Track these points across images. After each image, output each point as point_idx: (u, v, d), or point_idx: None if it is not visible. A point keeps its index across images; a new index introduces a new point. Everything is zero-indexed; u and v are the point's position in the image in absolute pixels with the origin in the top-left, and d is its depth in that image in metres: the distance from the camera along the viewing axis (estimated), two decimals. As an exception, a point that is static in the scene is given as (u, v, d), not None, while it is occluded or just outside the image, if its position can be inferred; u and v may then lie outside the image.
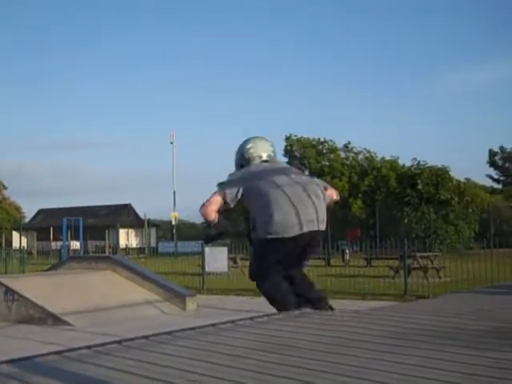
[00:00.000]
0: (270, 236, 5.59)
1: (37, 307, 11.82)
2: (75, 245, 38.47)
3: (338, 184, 45.83)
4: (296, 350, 8.29)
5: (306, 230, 5.53)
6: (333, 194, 6.29)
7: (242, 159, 6.19)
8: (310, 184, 5.89)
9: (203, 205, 6.10)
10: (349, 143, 50.61)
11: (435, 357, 3.85)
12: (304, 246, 5.76)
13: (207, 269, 18.96)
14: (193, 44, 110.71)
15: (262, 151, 6.11)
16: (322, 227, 5.70)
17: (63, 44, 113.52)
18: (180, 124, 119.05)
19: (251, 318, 11.83)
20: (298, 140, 50.28)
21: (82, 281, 13.94)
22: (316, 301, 6.09)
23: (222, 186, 6.09)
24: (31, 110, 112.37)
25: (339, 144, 50.95)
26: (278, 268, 5.79)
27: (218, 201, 5.88)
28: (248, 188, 5.82)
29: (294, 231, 5.51)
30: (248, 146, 6.15)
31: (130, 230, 55.90)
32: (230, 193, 5.85)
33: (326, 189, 6.02)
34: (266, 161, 6.08)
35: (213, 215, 5.93)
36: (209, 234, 6.59)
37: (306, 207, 5.55)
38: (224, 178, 6.56)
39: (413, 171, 46.26)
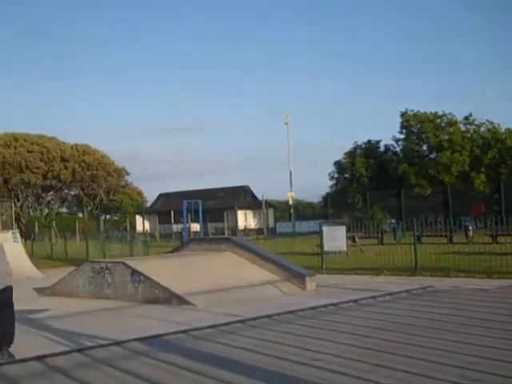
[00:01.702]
0: None
1: (162, 288, 12.20)
2: (195, 227, 39.47)
3: (459, 158, 44.20)
4: (420, 329, 8.09)
5: None
6: None
7: None
8: None
9: None
10: (470, 115, 48.58)
11: None
12: None
13: (326, 248, 18.84)
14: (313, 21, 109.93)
15: None
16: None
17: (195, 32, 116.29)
18: (294, 103, 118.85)
19: (373, 297, 11.73)
20: (415, 115, 48.87)
21: (203, 262, 14.25)
22: None
23: None
24: (147, 96, 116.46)
25: (459, 117, 49.06)
26: None
27: None
28: None
29: None
30: None
31: (248, 212, 56.62)
32: None
33: None
34: None
35: None
36: None
37: None
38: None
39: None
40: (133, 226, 53.40)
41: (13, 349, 7.44)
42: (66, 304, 12.66)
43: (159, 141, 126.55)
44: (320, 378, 5.90)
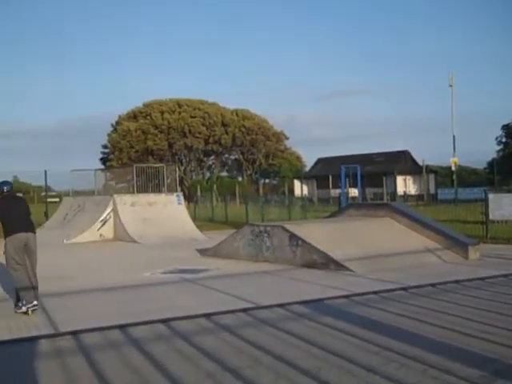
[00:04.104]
0: None
1: (319, 253, 12.25)
2: (353, 192, 39.17)
3: None
4: None
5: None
6: None
7: None
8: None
9: None
10: None
11: None
12: None
13: (491, 216, 17.94)
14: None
15: None
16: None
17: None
18: (459, 67, 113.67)
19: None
20: None
21: (362, 228, 14.10)
22: None
23: None
24: (304, 59, 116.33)
25: None
26: None
27: None
28: None
29: None
30: None
31: (408, 177, 55.19)
32: None
33: None
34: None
35: None
36: None
37: None
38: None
39: None
40: (291, 191, 54.15)
41: (182, 306, 7.77)
42: (227, 265, 13.13)
43: (318, 105, 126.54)
44: (488, 350, 5.64)
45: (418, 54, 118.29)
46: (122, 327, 7.03)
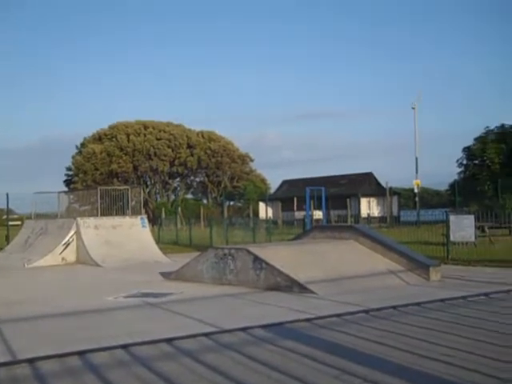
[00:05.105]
0: None
1: (283, 275, 12.26)
2: (318, 214, 39.45)
3: None
4: None
5: None
6: None
7: None
8: None
9: None
10: None
11: None
12: None
13: (452, 238, 18.19)
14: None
15: None
16: None
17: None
18: (421, 89, 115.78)
19: (507, 292, 11.15)
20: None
21: (326, 250, 14.17)
22: None
23: None
24: (271, 83, 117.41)
25: None
26: None
27: None
28: None
29: None
30: None
31: (372, 199, 55.79)
32: None
33: None
34: None
35: None
36: None
37: None
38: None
39: None
40: (256, 213, 54.19)
41: (144, 331, 7.70)
42: (190, 288, 13.03)
43: (283, 128, 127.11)
44: (449, 374, 5.67)
45: (381, 76, 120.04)
46: (80, 354, 6.91)
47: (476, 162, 49.34)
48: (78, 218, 21.90)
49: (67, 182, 69.86)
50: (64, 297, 12.58)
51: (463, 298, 10.50)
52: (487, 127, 49.29)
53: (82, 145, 70.19)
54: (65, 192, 31.99)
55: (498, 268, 15.36)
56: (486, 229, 23.13)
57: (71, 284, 15.27)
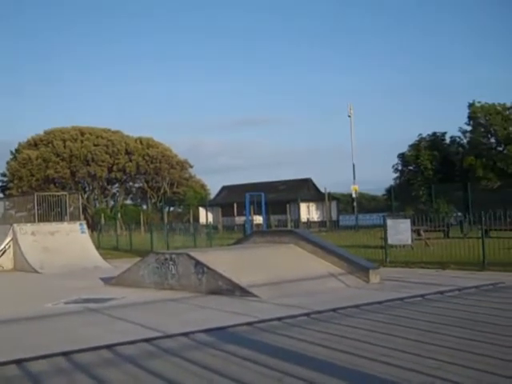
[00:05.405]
0: None
1: (224, 279, 12.30)
2: (258, 219, 39.60)
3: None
4: (492, 326, 7.86)
5: None
6: None
7: None
8: None
9: None
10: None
11: None
12: None
13: (390, 241, 18.62)
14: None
15: None
16: None
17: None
18: (357, 97, 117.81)
19: (441, 293, 11.49)
20: (482, 107, 47.61)
21: (267, 254, 14.27)
22: None
23: None
24: (210, 89, 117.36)
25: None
26: None
27: None
28: None
29: None
30: None
31: (311, 204, 56.45)
32: None
33: None
34: None
35: None
36: None
37: None
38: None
39: None
40: (196, 218, 53.98)
41: (85, 338, 7.60)
42: (132, 294, 12.91)
43: (222, 134, 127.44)
44: (386, 373, 5.82)
45: (317, 84, 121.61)
46: (18, 362, 6.76)
47: (411, 167, 50.62)
48: (15, 225, 21.41)
49: (2, 188, 68.21)
50: (0, 304, 12.26)
51: (400, 299, 10.76)
52: (420, 135, 50.73)
53: (17, 150, 68.59)
54: (0, 198, 31.20)
55: (433, 270, 15.78)
56: (422, 232, 23.76)
57: (8, 291, 14.89)
